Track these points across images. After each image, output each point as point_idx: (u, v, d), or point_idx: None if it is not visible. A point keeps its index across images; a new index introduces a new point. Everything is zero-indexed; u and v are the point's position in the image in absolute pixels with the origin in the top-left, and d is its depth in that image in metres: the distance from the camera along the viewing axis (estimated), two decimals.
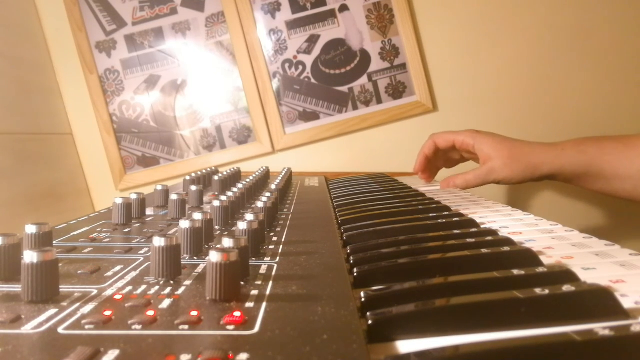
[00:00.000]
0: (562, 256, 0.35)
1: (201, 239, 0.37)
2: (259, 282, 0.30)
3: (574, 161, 0.75)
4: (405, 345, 0.24)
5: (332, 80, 1.12)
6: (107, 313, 0.25)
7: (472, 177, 0.80)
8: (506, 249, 0.35)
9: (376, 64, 1.12)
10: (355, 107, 1.12)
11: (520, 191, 1.12)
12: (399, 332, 0.24)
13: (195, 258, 0.36)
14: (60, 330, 0.23)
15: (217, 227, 0.46)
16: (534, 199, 1.13)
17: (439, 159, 0.92)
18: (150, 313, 0.25)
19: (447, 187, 0.82)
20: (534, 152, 0.77)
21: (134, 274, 0.32)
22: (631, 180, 0.72)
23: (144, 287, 0.29)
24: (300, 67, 1.12)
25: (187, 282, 0.30)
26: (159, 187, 0.61)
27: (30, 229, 0.34)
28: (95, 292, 0.28)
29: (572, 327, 0.23)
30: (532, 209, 1.11)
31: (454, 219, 0.48)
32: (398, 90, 1.12)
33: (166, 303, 0.26)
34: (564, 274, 0.29)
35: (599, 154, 0.74)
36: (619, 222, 1.12)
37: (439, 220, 0.48)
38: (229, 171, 0.80)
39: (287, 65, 1.12)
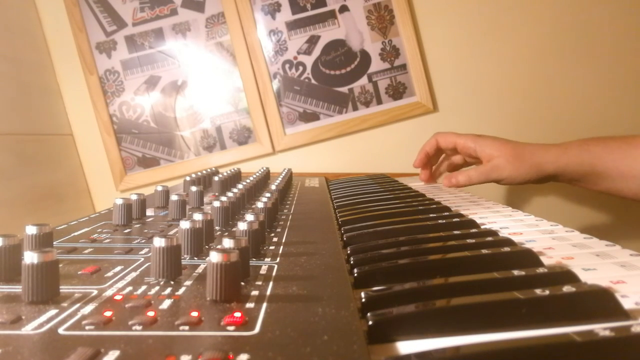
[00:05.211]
0: (563, 256, 0.35)
1: (201, 239, 0.37)
2: (260, 283, 0.30)
3: (578, 160, 0.73)
4: (405, 346, 0.24)
5: (332, 81, 1.12)
6: (108, 314, 0.25)
7: (474, 173, 0.79)
8: (506, 249, 0.35)
9: (376, 64, 1.12)
10: (355, 108, 1.12)
11: (520, 192, 1.12)
12: (399, 333, 0.24)
13: (195, 258, 0.36)
14: (61, 331, 0.23)
15: (217, 228, 0.46)
16: (534, 200, 1.13)
17: (443, 162, 0.92)
18: (151, 314, 0.25)
19: (449, 185, 0.82)
20: (538, 151, 0.76)
21: (134, 274, 0.32)
22: (636, 180, 0.71)
23: (144, 287, 0.29)
24: (301, 68, 1.12)
25: (188, 283, 0.30)
26: (159, 188, 0.61)
27: (31, 230, 0.34)
28: (95, 292, 0.28)
29: (573, 328, 0.23)
30: (532, 209, 1.11)
31: (454, 220, 0.48)
32: (398, 91, 1.12)
33: (166, 304, 0.26)
34: (565, 275, 0.29)
35: (604, 152, 0.72)
36: (619, 223, 1.12)
37: (439, 221, 0.48)
38: (229, 172, 0.80)
39: (287, 65, 1.12)
